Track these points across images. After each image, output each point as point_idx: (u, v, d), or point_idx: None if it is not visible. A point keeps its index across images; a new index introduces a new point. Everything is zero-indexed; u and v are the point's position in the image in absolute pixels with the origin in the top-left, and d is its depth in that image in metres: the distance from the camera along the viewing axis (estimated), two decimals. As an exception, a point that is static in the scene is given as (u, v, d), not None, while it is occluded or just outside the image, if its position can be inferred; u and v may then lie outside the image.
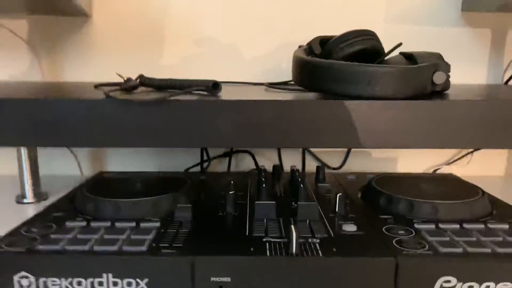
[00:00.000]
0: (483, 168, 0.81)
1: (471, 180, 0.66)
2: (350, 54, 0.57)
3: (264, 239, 0.42)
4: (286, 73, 0.76)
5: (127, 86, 0.56)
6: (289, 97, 0.51)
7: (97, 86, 0.62)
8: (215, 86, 0.53)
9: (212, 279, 0.38)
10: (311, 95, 0.51)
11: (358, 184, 0.61)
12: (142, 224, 0.45)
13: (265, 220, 0.46)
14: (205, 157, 0.79)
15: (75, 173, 0.81)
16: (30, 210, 0.63)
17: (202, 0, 0.74)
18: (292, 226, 0.40)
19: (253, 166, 0.80)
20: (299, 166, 0.80)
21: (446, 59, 0.55)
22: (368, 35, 0.58)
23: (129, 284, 0.39)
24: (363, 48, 0.57)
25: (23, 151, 0.66)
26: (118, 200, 0.49)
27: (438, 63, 0.52)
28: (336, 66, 0.47)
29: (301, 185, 0.50)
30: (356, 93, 0.47)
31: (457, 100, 0.48)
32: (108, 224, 0.46)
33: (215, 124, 0.47)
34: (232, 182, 0.53)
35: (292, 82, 0.67)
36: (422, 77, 0.49)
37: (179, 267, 0.38)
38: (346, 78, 0.47)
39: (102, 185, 0.55)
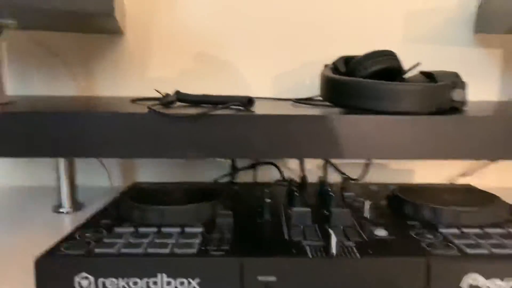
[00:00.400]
0: (499, 179, 0.84)
1: (488, 191, 0.69)
2: (372, 72, 0.62)
3: (303, 243, 0.45)
4: (309, 90, 0.80)
5: (166, 101, 0.60)
6: (319, 112, 0.55)
7: (134, 100, 0.66)
8: (250, 101, 0.58)
9: (259, 278, 0.41)
10: (338, 111, 0.55)
11: (381, 193, 0.64)
12: (187, 229, 0.49)
13: (302, 227, 0.50)
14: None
15: (104, 184, 0.85)
16: (68, 219, 0.67)
17: (231, 20, 0.79)
18: (330, 230, 0.43)
19: (276, 178, 0.83)
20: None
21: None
22: (390, 55, 0.63)
23: (181, 283, 0.42)
24: (385, 67, 0.62)
25: (61, 161, 0.70)
26: (162, 207, 0.52)
27: (456, 81, 0.56)
28: (365, 84, 0.52)
29: (332, 194, 0.54)
30: (383, 109, 0.51)
31: (474, 116, 0.52)
32: (155, 229, 0.49)
33: (252, 136, 0.51)
34: (266, 190, 0.57)
35: (316, 98, 0.71)
36: (442, 94, 0.53)
37: (229, 268, 0.42)
38: (374, 95, 0.51)
39: (142, 194, 0.59)
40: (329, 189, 0.58)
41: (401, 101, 0.51)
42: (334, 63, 0.66)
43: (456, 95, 0.56)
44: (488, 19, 0.74)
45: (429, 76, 0.59)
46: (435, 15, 0.79)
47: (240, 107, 0.57)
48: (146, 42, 0.80)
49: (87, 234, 0.48)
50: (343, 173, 0.83)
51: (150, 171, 0.85)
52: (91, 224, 0.52)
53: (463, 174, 0.85)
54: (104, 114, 0.48)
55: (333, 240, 0.42)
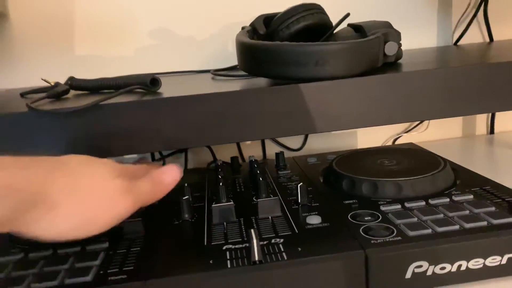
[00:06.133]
0: (441, 132, 0.80)
1: (431, 145, 0.65)
2: (296, 31, 0.53)
3: (224, 247, 0.38)
4: (233, 56, 0.71)
5: (55, 93, 0.50)
6: (236, 87, 0.47)
7: (24, 94, 0.56)
8: (153, 82, 0.49)
9: (169, 302, 0.34)
10: (259, 81, 0.48)
11: (319, 166, 0.58)
12: (89, 247, 0.41)
13: (224, 224, 0.43)
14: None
15: None
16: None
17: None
18: (252, 231, 0.36)
19: (212, 158, 0.76)
20: (259, 152, 0.77)
21: (395, 26, 0.52)
22: (313, 9, 0.55)
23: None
24: (309, 23, 0.54)
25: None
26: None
27: (388, 32, 0.49)
28: (280, 48, 0.43)
29: (260, 179, 0.47)
30: (305, 76, 0.43)
31: (409, 72, 0.45)
32: (50, 252, 0.41)
33: (158, 125, 0.43)
34: (186, 185, 0.49)
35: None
36: (373, 50, 0.46)
37: (130, 295, 0.34)
38: (292, 61, 0.43)
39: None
40: (258, 172, 0.50)
41: (325, 64, 0.43)
42: (252, 24, 0.57)
43: (389, 48, 0.50)
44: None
45: (358, 29, 0.52)
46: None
47: (143, 90, 0.48)
48: (34, 23, 0.67)
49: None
50: (281, 144, 0.77)
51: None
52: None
53: (406, 130, 0.80)
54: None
55: (255, 244, 0.35)
